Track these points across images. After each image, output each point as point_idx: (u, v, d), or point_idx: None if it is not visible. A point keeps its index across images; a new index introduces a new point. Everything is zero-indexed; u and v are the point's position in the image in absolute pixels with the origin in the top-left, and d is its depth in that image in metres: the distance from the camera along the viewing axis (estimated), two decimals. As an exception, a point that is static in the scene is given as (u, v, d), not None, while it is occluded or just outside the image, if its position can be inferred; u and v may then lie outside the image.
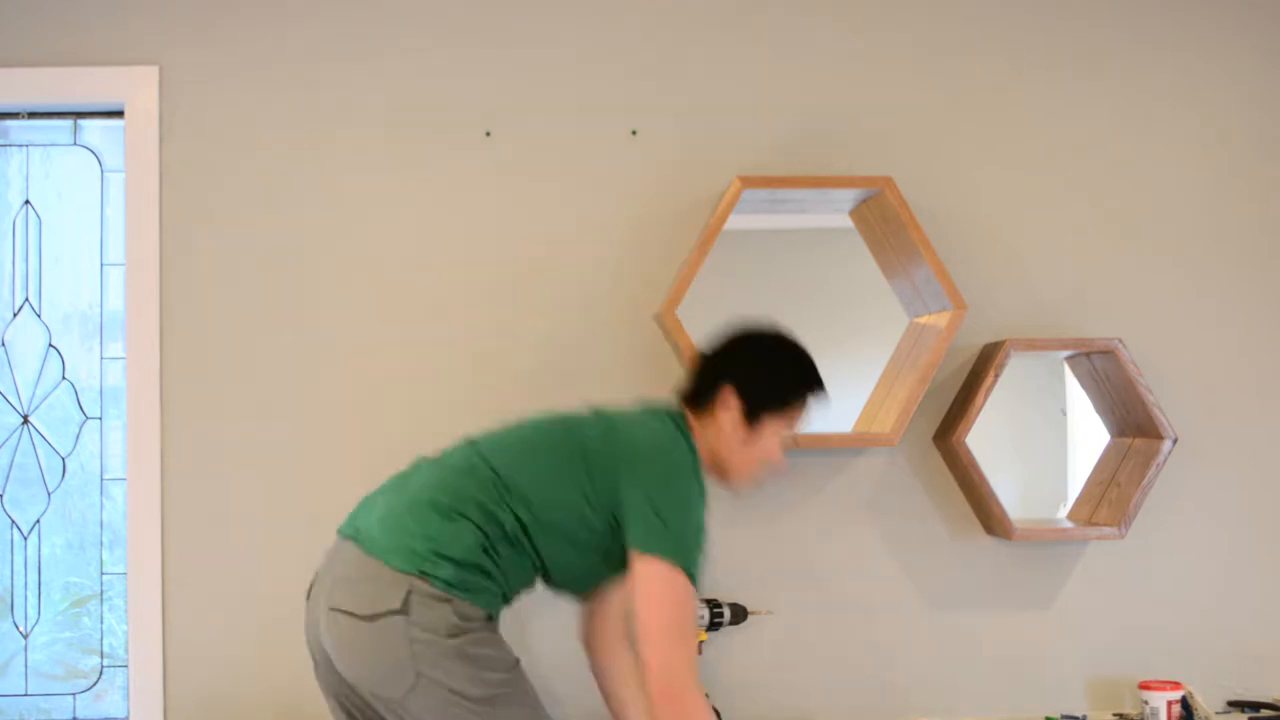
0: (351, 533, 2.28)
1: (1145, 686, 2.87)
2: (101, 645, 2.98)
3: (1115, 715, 2.95)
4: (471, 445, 2.36)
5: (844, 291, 3.14)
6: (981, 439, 2.85)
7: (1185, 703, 2.85)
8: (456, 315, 2.93)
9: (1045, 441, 3.21)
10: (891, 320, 3.06)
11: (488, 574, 2.20)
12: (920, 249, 2.82)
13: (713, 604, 2.85)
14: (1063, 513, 3.12)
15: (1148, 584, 3.02)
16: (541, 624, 2.84)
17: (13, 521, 2.97)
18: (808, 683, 2.95)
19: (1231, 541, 3.04)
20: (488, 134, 2.96)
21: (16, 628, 2.96)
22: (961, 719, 2.97)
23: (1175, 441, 2.88)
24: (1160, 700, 2.83)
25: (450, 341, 2.93)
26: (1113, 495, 2.96)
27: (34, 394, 2.99)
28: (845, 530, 2.96)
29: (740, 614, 2.87)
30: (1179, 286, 3.07)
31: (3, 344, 2.99)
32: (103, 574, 2.98)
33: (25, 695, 2.95)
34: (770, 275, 3.11)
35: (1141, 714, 2.87)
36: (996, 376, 2.83)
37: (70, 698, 2.96)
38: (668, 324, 2.78)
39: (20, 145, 3.01)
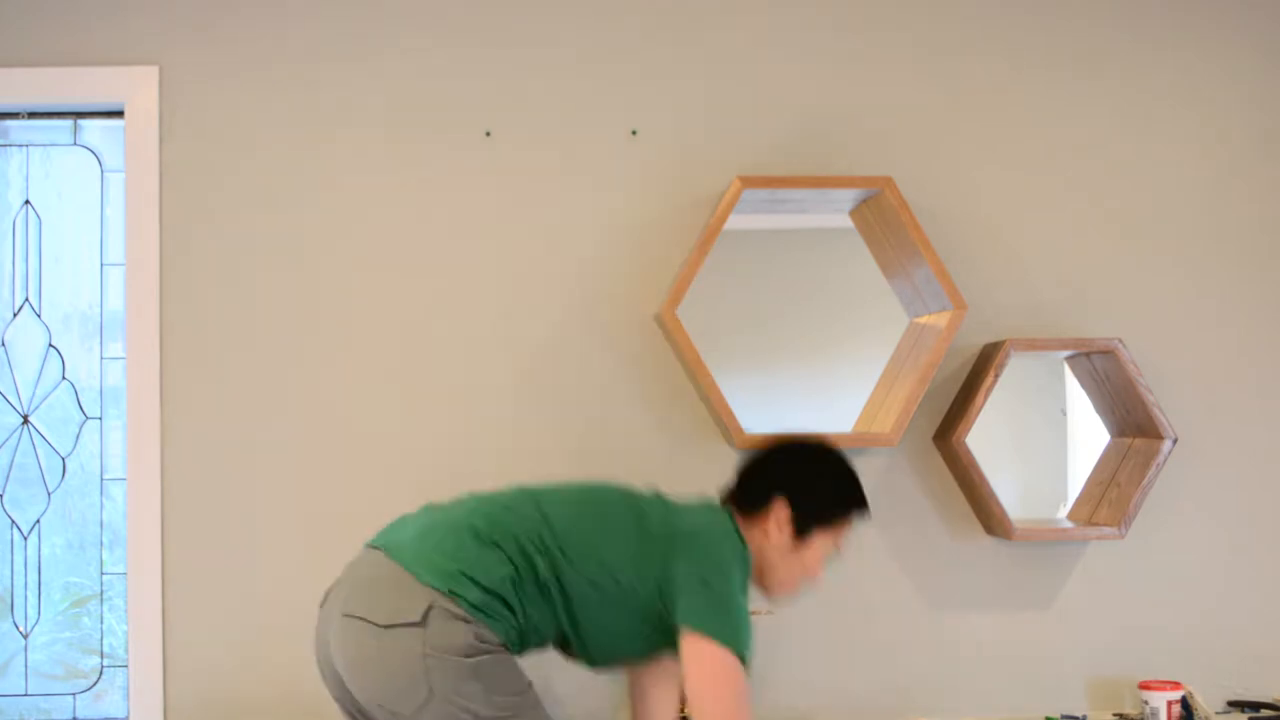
0: (381, 544, 2.28)
1: (1145, 686, 2.87)
2: (101, 645, 2.98)
3: (1115, 715, 2.95)
4: (524, 489, 2.38)
5: (844, 291, 3.14)
6: (981, 439, 2.85)
7: (1185, 703, 2.85)
8: (456, 315, 2.93)
9: (1045, 441, 3.20)
10: (891, 320, 3.06)
11: (510, 608, 2.20)
12: (920, 249, 2.82)
13: (713, 604, 2.85)
14: (1063, 513, 3.12)
15: (1148, 584, 3.02)
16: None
17: (13, 521, 2.97)
18: (807, 683, 2.95)
19: (1231, 541, 3.04)
20: (488, 134, 2.96)
21: (16, 628, 2.97)
22: (961, 719, 2.97)
23: (1175, 441, 2.88)
24: (1160, 700, 2.83)
25: (449, 341, 2.93)
26: (1113, 495, 2.96)
27: (34, 394, 2.99)
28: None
29: (740, 614, 2.87)
30: (1179, 286, 3.07)
31: (3, 344, 2.99)
32: (103, 574, 2.98)
33: (25, 695, 2.95)
34: (770, 275, 3.11)
35: (1141, 714, 2.87)
36: (996, 376, 2.83)
37: (70, 698, 2.96)
38: (668, 324, 2.78)
39: (20, 145, 3.01)
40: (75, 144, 3.01)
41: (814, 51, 3.02)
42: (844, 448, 2.93)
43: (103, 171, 3.01)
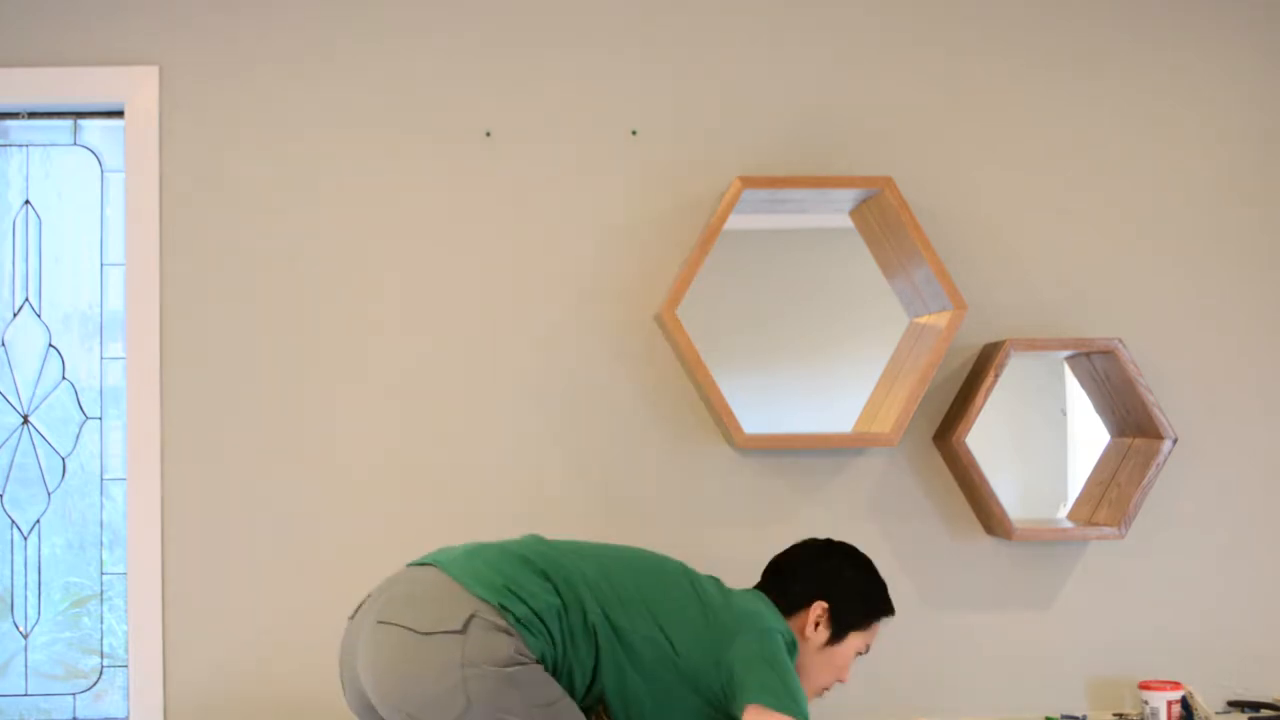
0: (429, 560, 2.29)
1: (1145, 686, 2.87)
2: (101, 645, 2.98)
3: (1115, 715, 2.95)
4: (580, 542, 2.42)
5: (844, 291, 3.13)
6: (981, 439, 2.85)
7: (1185, 703, 2.85)
8: (456, 314, 2.93)
9: (1045, 441, 3.20)
10: (891, 320, 3.06)
11: (551, 637, 2.21)
12: (920, 249, 2.82)
13: (713, 604, 2.85)
14: (1063, 513, 3.12)
15: (1148, 584, 3.02)
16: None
17: (13, 521, 2.97)
18: (808, 683, 2.95)
19: (1231, 541, 3.04)
20: (488, 134, 2.96)
21: (16, 628, 2.97)
22: (961, 719, 2.97)
23: (1175, 441, 2.88)
24: (1160, 700, 2.83)
25: (449, 341, 2.93)
26: (1113, 495, 2.96)
27: (34, 394, 2.99)
28: (845, 530, 2.95)
29: (741, 614, 2.87)
30: (1179, 286, 3.07)
31: (3, 344, 2.99)
32: (103, 574, 2.98)
33: (25, 695, 2.95)
34: (770, 275, 3.11)
35: (1141, 714, 2.87)
36: (996, 376, 2.83)
37: (70, 698, 2.96)
38: (668, 324, 2.78)
39: (20, 145, 3.01)
40: (75, 144, 3.01)
41: (814, 51, 3.02)
42: (844, 448, 2.95)
43: (103, 171, 3.01)
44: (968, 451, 2.83)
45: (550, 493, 2.91)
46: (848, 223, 3.04)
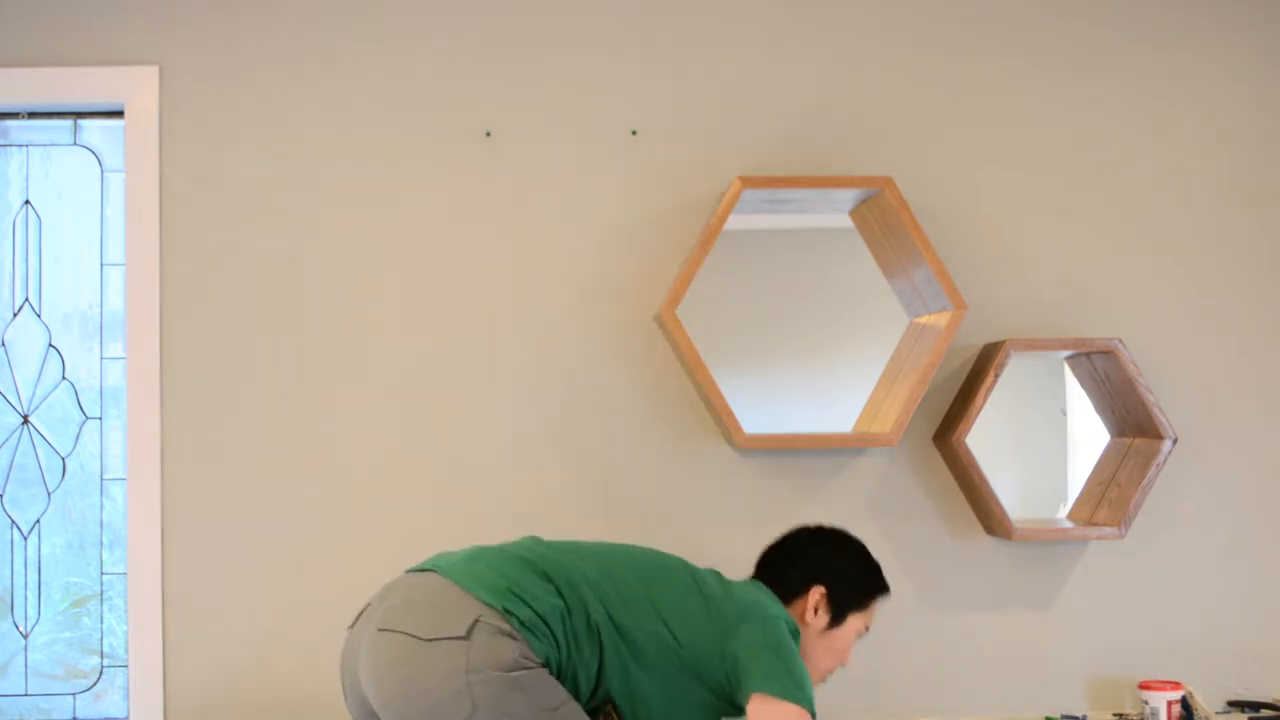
0: (429, 565, 2.28)
1: (1145, 686, 2.87)
2: (101, 645, 2.98)
3: (1115, 715, 2.95)
4: (579, 542, 2.41)
5: (844, 291, 3.14)
6: (981, 439, 2.85)
7: (1185, 703, 2.85)
8: (456, 314, 2.93)
9: (1045, 441, 3.20)
10: (891, 320, 3.06)
11: (555, 640, 2.20)
12: (920, 249, 2.82)
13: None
14: (1063, 513, 3.12)
15: (1148, 584, 3.02)
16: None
17: (13, 521, 2.97)
18: (808, 683, 2.95)
19: (1231, 541, 3.04)
20: (488, 134, 2.96)
21: (16, 628, 2.97)
22: (961, 719, 2.97)
23: (1175, 441, 2.88)
24: (1160, 700, 2.83)
25: (449, 341, 2.93)
26: (1113, 495, 2.96)
27: (34, 394, 2.99)
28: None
29: (741, 614, 2.87)
30: (1179, 286, 3.07)
31: (3, 344, 2.99)
32: (103, 574, 2.98)
33: (25, 695, 2.95)
34: (770, 275, 3.11)
35: (1141, 714, 2.87)
36: (996, 376, 2.83)
37: (70, 698, 2.96)
38: (668, 324, 2.78)
39: (20, 145, 3.01)
40: (75, 144, 3.01)
41: (814, 51, 3.02)
42: (844, 448, 2.95)
43: (103, 171, 3.01)
44: (968, 451, 2.83)
45: (550, 493, 2.91)
46: (848, 223, 3.04)
